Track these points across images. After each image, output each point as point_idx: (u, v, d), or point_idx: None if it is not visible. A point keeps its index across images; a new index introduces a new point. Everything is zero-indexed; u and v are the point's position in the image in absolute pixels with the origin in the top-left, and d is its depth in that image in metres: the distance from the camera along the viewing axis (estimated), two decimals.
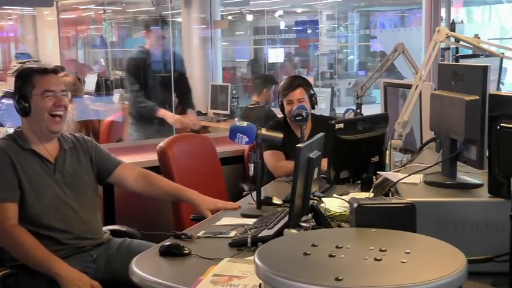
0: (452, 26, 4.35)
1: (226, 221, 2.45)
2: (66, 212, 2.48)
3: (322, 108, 5.15)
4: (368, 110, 3.69)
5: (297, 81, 3.58)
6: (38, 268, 2.30)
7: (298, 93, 3.49)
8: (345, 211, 2.28)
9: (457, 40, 2.75)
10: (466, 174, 1.89)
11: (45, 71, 2.56)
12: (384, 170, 2.59)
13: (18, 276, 2.37)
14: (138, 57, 4.56)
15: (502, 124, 1.57)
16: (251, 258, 1.35)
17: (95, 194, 2.66)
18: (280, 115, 3.78)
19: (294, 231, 2.02)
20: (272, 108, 5.13)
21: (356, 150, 2.60)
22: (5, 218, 2.34)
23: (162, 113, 4.39)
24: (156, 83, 4.64)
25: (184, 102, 4.69)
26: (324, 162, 2.52)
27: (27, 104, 2.48)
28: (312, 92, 3.55)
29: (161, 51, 4.66)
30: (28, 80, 2.50)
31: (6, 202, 2.37)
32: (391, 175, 2.04)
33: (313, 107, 3.56)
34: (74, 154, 2.61)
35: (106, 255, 2.52)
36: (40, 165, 2.49)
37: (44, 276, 2.30)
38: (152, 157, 3.40)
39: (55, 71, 2.66)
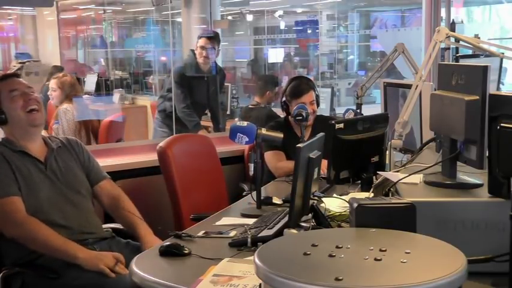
0: (452, 26, 4.36)
1: (226, 221, 2.45)
2: (64, 208, 2.51)
3: (322, 108, 5.14)
4: (368, 110, 3.68)
5: (308, 84, 3.58)
6: (56, 254, 2.34)
7: (310, 96, 3.50)
8: (345, 211, 2.28)
9: (457, 40, 2.75)
10: (466, 174, 1.89)
11: (4, 77, 2.62)
12: (384, 170, 2.59)
13: (22, 275, 2.38)
14: (186, 65, 4.78)
15: (502, 124, 1.57)
16: (251, 258, 1.35)
17: (89, 190, 2.69)
18: (281, 115, 3.78)
19: (294, 231, 2.02)
20: (273, 109, 5.13)
21: (356, 150, 2.60)
22: (15, 210, 2.38)
23: (201, 133, 4.59)
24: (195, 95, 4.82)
25: (215, 122, 5.00)
26: (324, 165, 2.52)
27: (1, 112, 2.52)
28: (316, 92, 3.57)
29: (207, 66, 4.78)
30: None
31: (11, 196, 2.40)
32: (391, 175, 2.04)
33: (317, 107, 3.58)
34: (63, 153, 2.65)
35: (110, 250, 2.52)
36: (32, 164, 2.53)
37: (48, 274, 2.32)
38: (152, 157, 3.40)
39: (15, 75, 2.71)
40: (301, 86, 3.55)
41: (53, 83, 4.68)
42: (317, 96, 3.56)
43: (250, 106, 5.19)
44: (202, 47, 4.68)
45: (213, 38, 4.74)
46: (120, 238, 2.67)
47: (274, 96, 5.30)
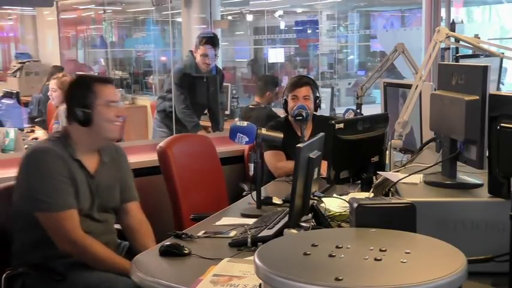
0: (452, 26, 4.35)
1: (226, 221, 2.45)
2: (89, 221, 2.45)
3: (322, 108, 5.13)
4: (368, 110, 3.68)
5: (305, 79, 3.64)
6: (104, 267, 2.32)
7: (305, 90, 3.52)
8: (345, 211, 2.28)
9: (457, 40, 2.75)
10: (466, 174, 1.89)
11: (106, 81, 2.54)
12: (384, 170, 2.59)
13: (24, 276, 2.37)
14: (186, 66, 4.78)
15: (502, 124, 1.57)
16: (251, 258, 1.35)
17: (117, 207, 2.62)
18: (281, 115, 3.78)
19: (294, 231, 2.02)
20: (273, 109, 5.13)
21: (356, 150, 2.60)
22: (72, 227, 2.33)
23: (201, 133, 4.60)
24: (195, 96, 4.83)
25: (214, 123, 5.00)
26: (324, 166, 2.52)
27: (89, 113, 2.43)
28: (317, 94, 3.57)
29: (206, 69, 4.80)
30: (89, 89, 2.45)
31: (71, 209, 2.35)
32: (391, 175, 2.04)
33: (315, 109, 3.57)
34: (110, 167, 2.57)
35: None
36: (83, 175, 2.45)
37: (53, 276, 2.31)
38: (152, 157, 3.40)
39: (112, 80, 2.64)
40: (298, 80, 3.62)
41: (53, 83, 4.69)
42: (317, 98, 3.56)
43: (250, 106, 5.19)
44: (205, 55, 4.69)
45: (214, 44, 4.74)
46: (124, 242, 2.65)
47: (274, 96, 5.31)
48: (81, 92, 2.47)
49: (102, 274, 2.30)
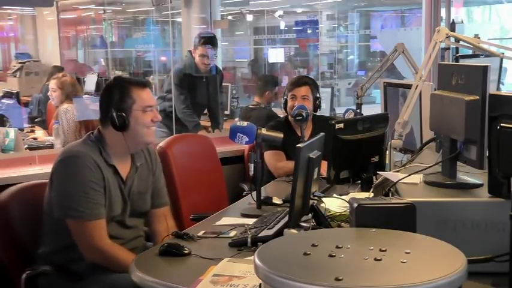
0: (452, 26, 4.36)
1: (226, 220, 2.45)
2: (120, 231, 2.44)
3: (322, 108, 5.14)
4: (368, 110, 3.69)
5: (305, 79, 3.64)
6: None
7: (304, 90, 3.52)
8: (345, 211, 2.28)
9: (457, 40, 2.75)
10: (466, 174, 1.89)
11: (143, 85, 2.47)
12: (384, 170, 2.59)
13: (47, 276, 2.35)
14: (186, 66, 4.77)
15: (502, 124, 1.57)
16: (251, 258, 1.35)
17: (147, 212, 2.58)
18: (281, 115, 3.78)
19: (294, 231, 2.02)
20: (273, 109, 5.13)
21: (356, 150, 2.60)
22: (100, 236, 2.31)
23: (201, 133, 4.60)
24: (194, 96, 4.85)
25: (214, 123, 5.00)
26: (324, 166, 2.52)
27: (126, 117, 2.38)
28: (317, 94, 3.57)
29: (205, 69, 4.80)
30: (127, 94, 2.40)
31: (100, 218, 2.32)
32: (391, 175, 2.04)
33: (315, 110, 3.56)
34: (143, 172, 2.53)
35: None
36: (116, 181, 2.42)
37: (74, 277, 2.31)
38: None
39: (149, 84, 2.56)
40: (297, 80, 3.63)
41: (52, 83, 4.69)
42: (317, 98, 3.56)
43: (250, 106, 5.19)
44: (203, 55, 4.70)
45: (212, 44, 4.75)
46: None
47: (274, 96, 5.31)
48: (118, 96, 2.40)
49: (121, 275, 2.27)
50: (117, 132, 2.39)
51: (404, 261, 1.24)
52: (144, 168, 2.55)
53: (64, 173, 2.34)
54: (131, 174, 2.48)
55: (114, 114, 2.37)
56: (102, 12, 11.30)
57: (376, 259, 1.25)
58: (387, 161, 2.72)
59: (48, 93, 4.78)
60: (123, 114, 2.37)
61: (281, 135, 2.75)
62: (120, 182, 2.43)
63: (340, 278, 1.16)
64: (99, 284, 2.30)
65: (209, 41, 4.76)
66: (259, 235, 2.11)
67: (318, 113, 3.68)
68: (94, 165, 2.33)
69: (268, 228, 2.16)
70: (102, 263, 2.32)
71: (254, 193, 2.61)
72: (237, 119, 5.87)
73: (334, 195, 2.53)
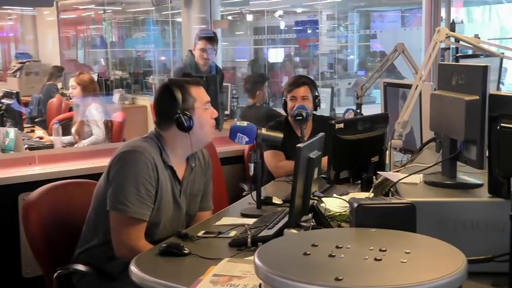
0: (452, 26, 4.35)
1: (226, 220, 2.45)
2: (166, 229, 2.40)
3: (322, 108, 5.15)
4: (368, 110, 3.69)
5: (303, 79, 3.63)
6: None
7: (303, 90, 3.51)
8: (345, 211, 2.28)
9: (457, 40, 2.75)
10: (466, 174, 1.89)
11: (198, 83, 2.47)
12: (384, 170, 2.59)
13: (78, 275, 2.35)
14: (186, 66, 4.79)
15: (502, 124, 1.57)
16: (251, 258, 1.35)
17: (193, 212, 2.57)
18: (282, 113, 3.78)
19: (294, 231, 2.02)
20: (275, 108, 5.14)
21: (356, 150, 2.60)
22: (137, 237, 2.28)
23: None
24: None
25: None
26: (324, 161, 2.52)
27: (191, 116, 2.36)
28: (316, 93, 3.57)
29: (206, 66, 4.81)
30: (188, 93, 2.38)
31: (143, 220, 2.29)
32: (391, 175, 2.04)
33: (315, 109, 3.56)
34: (197, 174, 2.52)
35: None
36: (173, 185, 2.39)
37: (106, 277, 2.29)
38: None
39: (201, 82, 2.54)
40: (295, 80, 3.61)
41: (71, 81, 4.74)
42: (316, 97, 3.56)
43: (247, 106, 5.19)
44: (203, 49, 4.70)
45: (212, 39, 4.77)
46: None
47: (266, 92, 5.29)
48: (180, 96, 2.37)
49: None
50: (180, 132, 2.36)
51: (404, 261, 1.24)
52: (198, 170, 2.53)
53: (121, 165, 2.31)
54: (186, 176, 2.46)
55: (180, 114, 2.34)
56: (102, 12, 11.32)
57: (376, 259, 1.25)
58: (387, 161, 2.72)
59: (69, 91, 4.81)
60: (188, 113, 2.36)
61: (281, 135, 2.75)
62: (176, 183, 2.40)
63: (340, 278, 1.16)
64: (132, 285, 2.28)
65: (209, 36, 4.77)
66: (259, 235, 2.11)
67: (317, 113, 3.68)
68: (152, 164, 2.30)
69: (268, 228, 2.16)
70: (129, 259, 2.27)
71: (254, 193, 2.61)
72: (236, 119, 5.88)
73: (334, 195, 2.53)
